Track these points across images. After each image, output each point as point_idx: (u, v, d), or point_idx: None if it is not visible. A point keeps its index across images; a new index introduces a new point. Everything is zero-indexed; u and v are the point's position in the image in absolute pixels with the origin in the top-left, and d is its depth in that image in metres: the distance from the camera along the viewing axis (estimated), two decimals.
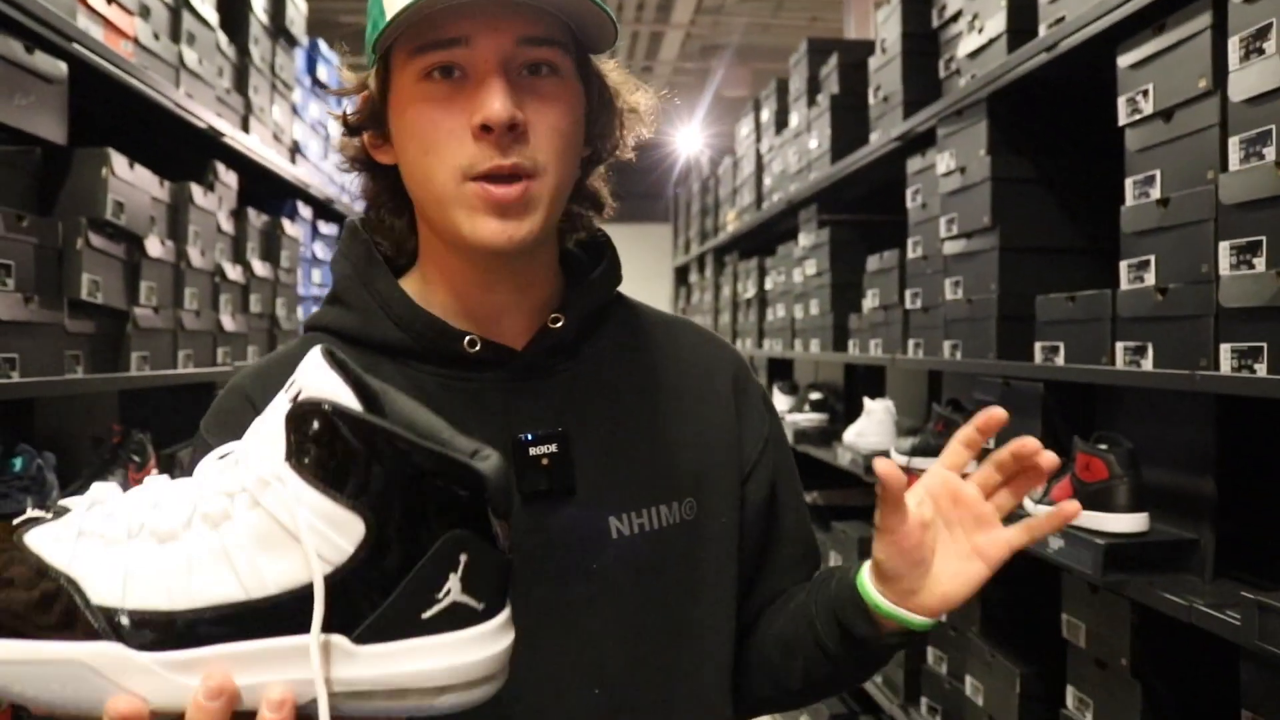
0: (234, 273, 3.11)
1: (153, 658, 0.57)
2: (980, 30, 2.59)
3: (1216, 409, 1.87)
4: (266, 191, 3.74)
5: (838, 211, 4.12)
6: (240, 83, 3.30)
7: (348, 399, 0.59)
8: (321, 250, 4.32)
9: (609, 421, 1.01)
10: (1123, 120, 1.95)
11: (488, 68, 0.89)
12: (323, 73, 4.32)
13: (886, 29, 3.33)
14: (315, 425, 0.58)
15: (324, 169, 4.38)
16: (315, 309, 3.87)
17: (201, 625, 0.57)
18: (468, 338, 0.97)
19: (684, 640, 1.01)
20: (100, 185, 2.20)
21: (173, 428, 2.86)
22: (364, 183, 1.05)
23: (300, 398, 0.59)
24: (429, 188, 0.93)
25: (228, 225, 3.12)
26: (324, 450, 0.57)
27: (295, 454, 0.58)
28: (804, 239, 4.33)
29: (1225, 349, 1.64)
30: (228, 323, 3.03)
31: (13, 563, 0.58)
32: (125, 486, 2.27)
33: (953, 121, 2.72)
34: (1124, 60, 1.94)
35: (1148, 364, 1.85)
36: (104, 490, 0.63)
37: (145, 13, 2.52)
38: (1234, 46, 1.62)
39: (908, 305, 3.08)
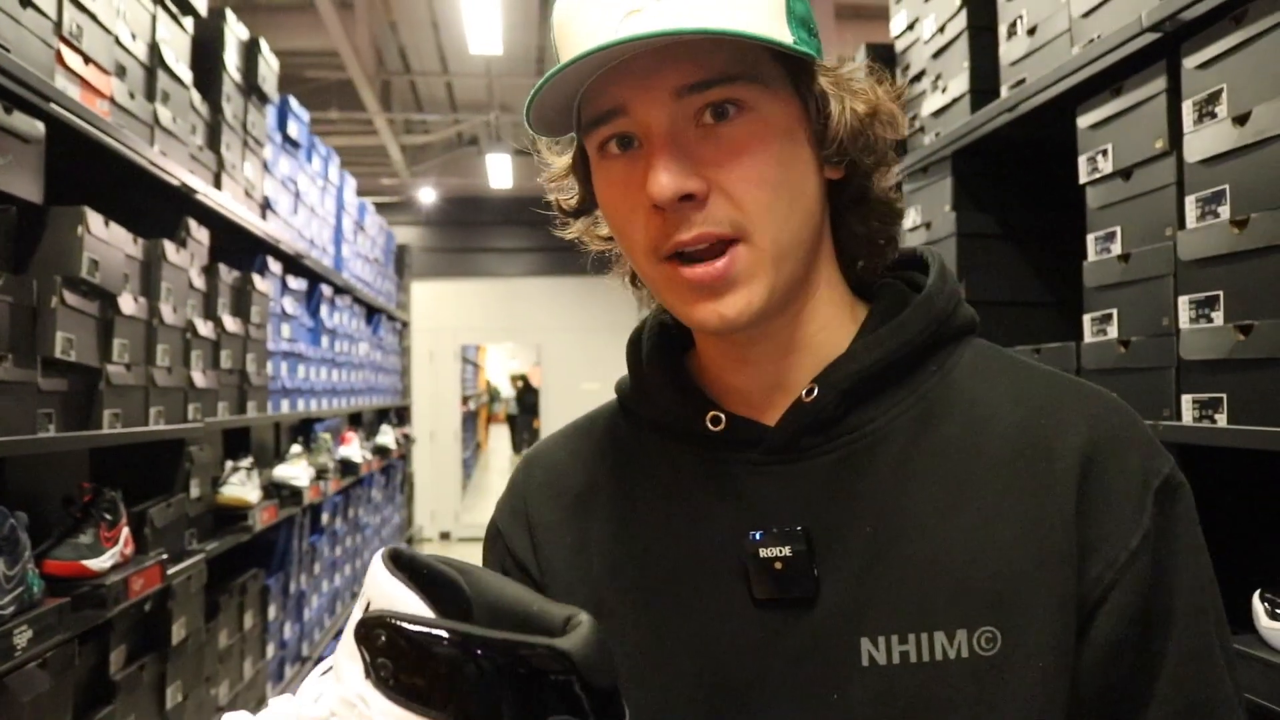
0: (205, 329, 3.11)
1: None
2: (944, 90, 2.66)
3: (1178, 459, 1.92)
4: (237, 247, 3.75)
5: None
6: (213, 140, 3.32)
7: (413, 604, 0.56)
8: (291, 305, 4.32)
9: (878, 517, 0.80)
10: (1083, 178, 2.01)
11: (650, 135, 0.77)
12: (293, 129, 4.35)
13: None
14: (383, 638, 0.55)
15: (294, 224, 4.39)
16: (284, 365, 3.82)
17: None
18: (711, 414, 0.86)
19: None
20: (76, 243, 2.21)
21: (144, 485, 2.84)
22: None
23: (369, 610, 0.57)
24: (638, 270, 0.84)
25: (199, 281, 3.12)
26: (397, 663, 0.55)
27: (372, 670, 0.56)
28: None
29: (1187, 399, 1.69)
30: (199, 379, 3.02)
31: None
32: (97, 544, 2.26)
33: (918, 178, 2.79)
34: (1084, 121, 2.01)
35: None
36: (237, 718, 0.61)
37: (121, 72, 2.54)
38: (1188, 110, 1.68)
39: None
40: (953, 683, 0.76)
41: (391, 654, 0.55)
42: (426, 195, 11.97)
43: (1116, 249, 1.91)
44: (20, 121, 2.03)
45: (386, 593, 0.57)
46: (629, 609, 0.86)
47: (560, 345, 12.27)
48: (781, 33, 0.77)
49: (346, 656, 0.57)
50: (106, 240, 2.35)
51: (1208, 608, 0.80)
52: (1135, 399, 1.83)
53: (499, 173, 10.63)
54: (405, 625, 0.55)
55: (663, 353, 0.92)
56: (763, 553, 0.80)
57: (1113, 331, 1.90)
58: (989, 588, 0.77)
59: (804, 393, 0.83)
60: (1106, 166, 1.93)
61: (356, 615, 0.57)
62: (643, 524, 0.88)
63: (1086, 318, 1.99)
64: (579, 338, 12.09)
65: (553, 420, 12.44)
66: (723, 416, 0.85)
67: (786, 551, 0.79)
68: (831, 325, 0.86)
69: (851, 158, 0.84)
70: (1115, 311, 1.90)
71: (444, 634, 0.55)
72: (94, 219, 2.28)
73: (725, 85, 0.77)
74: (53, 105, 2.12)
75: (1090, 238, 1.99)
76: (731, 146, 0.77)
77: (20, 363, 2.00)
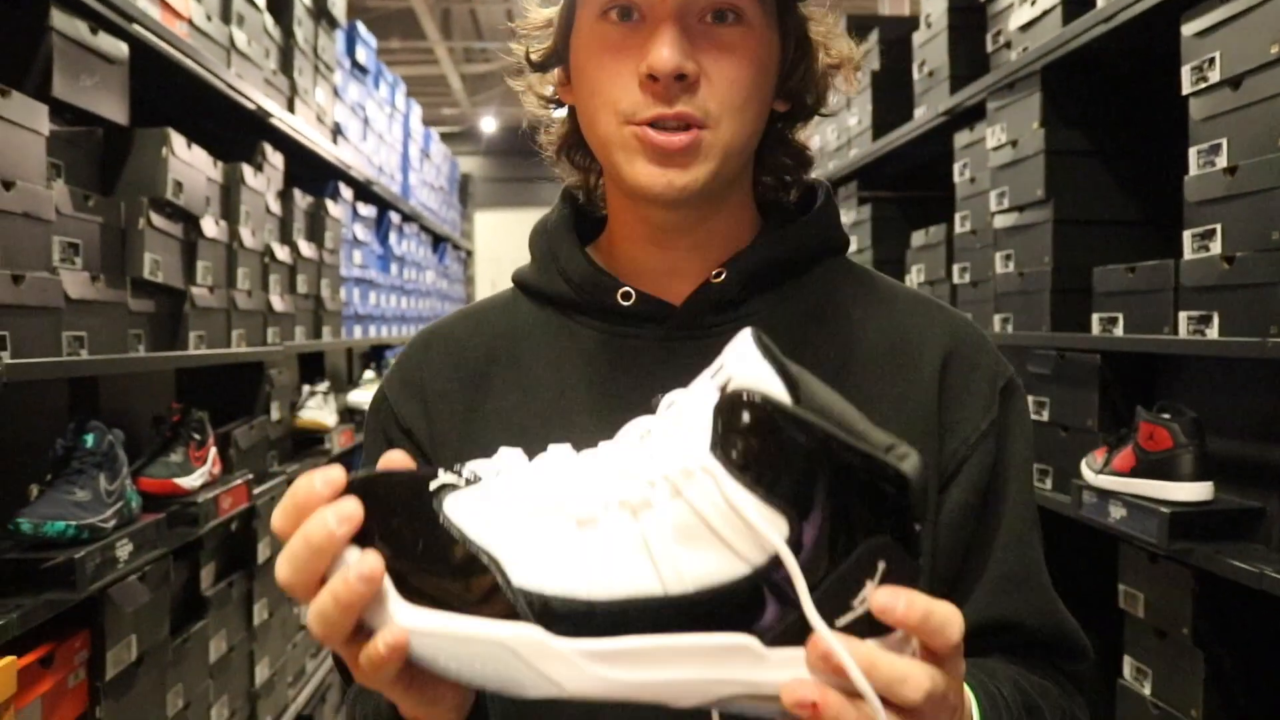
0: (282, 253, 3.13)
1: (571, 646, 0.56)
2: (1033, 3, 2.57)
3: None
4: (309, 174, 3.77)
5: (878, 189, 4.10)
6: (285, 64, 3.32)
7: (779, 391, 0.56)
8: (361, 232, 4.34)
9: None
10: (1187, 89, 1.93)
11: (662, 11, 0.84)
12: (361, 55, 4.33)
13: (931, 4, 3.31)
14: (746, 418, 0.55)
15: (363, 150, 4.39)
16: (356, 291, 3.85)
17: (619, 617, 0.56)
18: (622, 290, 0.93)
19: None
20: (161, 165, 2.22)
21: (226, 406, 2.89)
22: (560, 127, 1.01)
23: (731, 387, 0.56)
24: (594, 131, 0.90)
25: (275, 206, 3.14)
26: (753, 445, 0.55)
27: (722, 446, 0.55)
28: (844, 216, 4.32)
29: None
30: (277, 303, 3.05)
31: (437, 533, 0.57)
32: (187, 463, 2.30)
33: (1003, 95, 2.71)
34: (1189, 29, 1.93)
35: (1213, 333, 1.84)
36: (511, 457, 0.62)
37: None
38: None
39: (955, 280, 3.07)
40: None
41: (750, 434, 0.55)
42: (488, 125, 11.93)
43: (1222, 162, 1.84)
44: (105, 42, 2.04)
45: (753, 375, 0.56)
46: None
47: None
48: None
49: (687, 428, 0.57)
50: (189, 163, 2.36)
51: (1029, 482, 0.95)
52: (1239, 315, 1.78)
53: None
54: (776, 411, 0.54)
55: (574, 236, 0.99)
56: None
57: (1216, 248, 1.84)
58: None
59: (713, 275, 0.93)
60: (1214, 75, 1.86)
61: (710, 389, 0.57)
62: (544, 394, 0.95)
63: (1187, 234, 1.92)
64: None
65: None
66: (633, 293, 0.93)
67: None
68: (739, 229, 0.96)
69: (799, 97, 0.95)
70: (1219, 227, 1.84)
71: (811, 427, 0.55)
72: (177, 140, 2.29)
73: None
74: (135, 26, 2.11)
75: (1193, 151, 1.92)
76: (725, 46, 0.85)
77: (111, 283, 2.03)
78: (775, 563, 0.55)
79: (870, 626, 0.57)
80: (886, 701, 0.57)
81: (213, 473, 2.46)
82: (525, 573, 0.56)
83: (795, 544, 0.55)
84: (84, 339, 1.91)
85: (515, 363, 0.97)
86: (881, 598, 0.57)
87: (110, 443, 1.93)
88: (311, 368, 3.98)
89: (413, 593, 0.56)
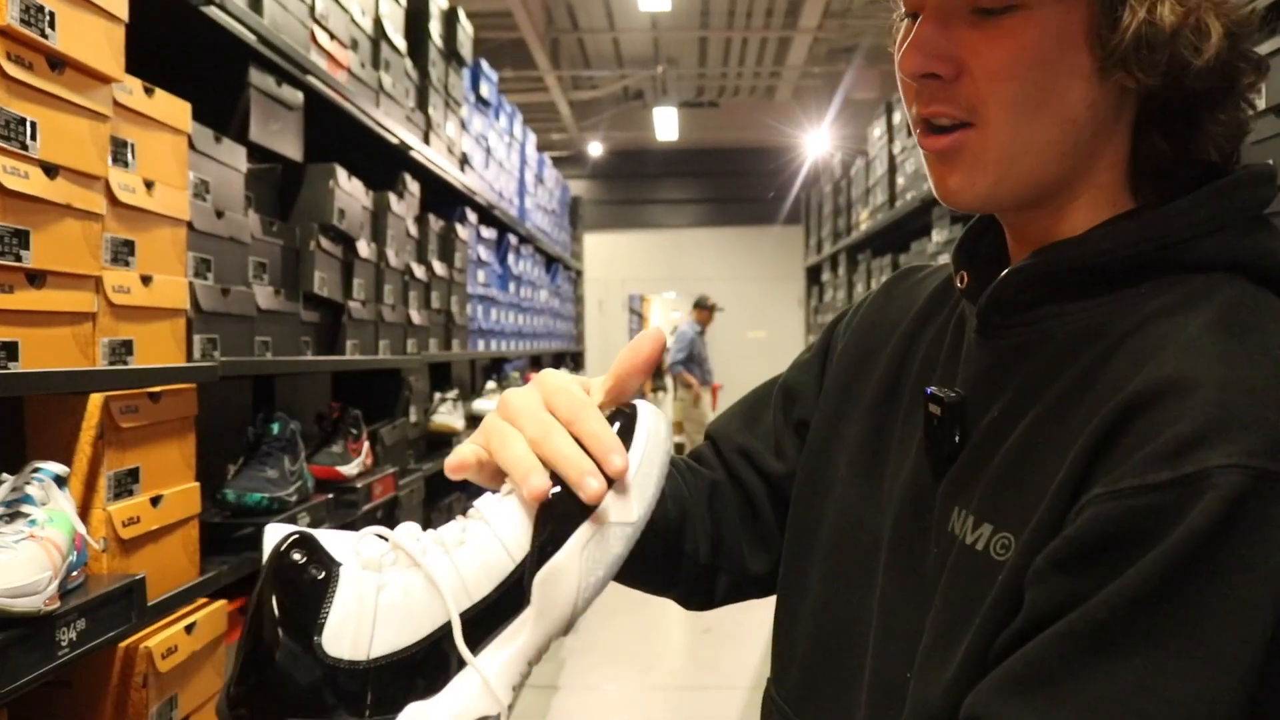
0: (419, 272, 3.49)
1: None
2: None
3: None
4: (439, 200, 4.13)
5: None
6: (422, 101, 3.69)
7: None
8: (484, 253, 4.70)
9: (1004, 405, 0.80)
10: None
11: (924, 6, 0.79)
12: (484, 89, 4.71)
13: None
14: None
15: (486, 177, 4.76)
16: (480, 307, 4.25)
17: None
18: (960, 273, 0.89)
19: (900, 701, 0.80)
20: (328, 195, 2.58)
21: (372, 407, 3.24)
22: None
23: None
24: None
25: (414, 230, 3.50)
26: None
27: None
28: (937, 235, 4.53)
29: None
30: (415, 317, 3.41)
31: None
32: (346, 454, 2.64)
33: None
34: None
35: None
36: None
37: (355, 45, 2.90)
38: None
39: None
40: (975, 570, 0.75)
41: None
42: (595, 149, 12.34)
43: None
44: (287, 93, 2.40)
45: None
46: (856, 419, 0.97)
47: (723, 295, 12.41)
48: None
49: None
50: (349, 193, 2.72)
51: (1145, 628, 0.64)
52: None
53: (665, 125, 10.89)
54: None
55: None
56: (930, 407, 0.84)
57: None
58: (1023, 501, 0.74)
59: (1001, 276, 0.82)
60: None
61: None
62: (910, 354, 0.96)
63: None
64: (742, 286, 12.25)
65: (716, 368, 12.67)
66: (966, 276, 0.88)
67: (938, 411, 0.84)
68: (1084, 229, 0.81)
69: (1151, 69, 0.75)
70: None
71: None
72: (341, 174, 2.65)
73: None
74: (309, 77, 2.48)
75: None
76: (991, 38, 0.76)
77: (289, 296, 2.38)
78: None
79: None
80: None
81: (366, 463, 2.81)
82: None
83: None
84: (269, 343, 2.27)
85: (914, 323, 0.98)
86: None
87: (292, 431, 2.27)
88: (440, 377, 4.34)
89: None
